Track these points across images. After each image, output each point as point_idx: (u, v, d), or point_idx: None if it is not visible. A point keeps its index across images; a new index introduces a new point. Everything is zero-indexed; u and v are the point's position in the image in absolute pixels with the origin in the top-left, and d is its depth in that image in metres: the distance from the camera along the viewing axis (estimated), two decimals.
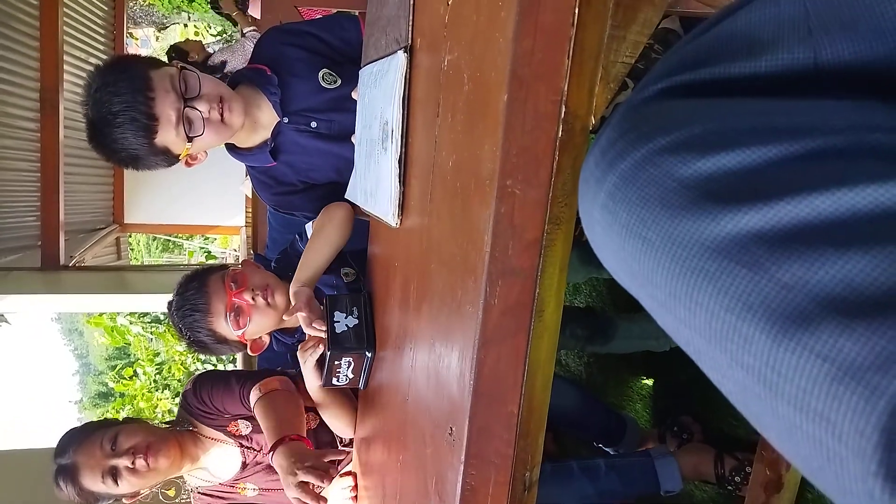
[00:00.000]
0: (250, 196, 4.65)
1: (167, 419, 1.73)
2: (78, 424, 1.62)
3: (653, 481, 1.57)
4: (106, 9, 5.40)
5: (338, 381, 1.20)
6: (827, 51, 0.33)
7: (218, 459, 1.61)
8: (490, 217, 0.60)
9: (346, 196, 1.33)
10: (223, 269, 1.49)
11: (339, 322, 1.18)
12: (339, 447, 1.56)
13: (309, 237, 1.52)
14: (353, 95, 1.33)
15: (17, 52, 3.82)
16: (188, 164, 1.42)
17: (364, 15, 1.30)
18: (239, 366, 3.42)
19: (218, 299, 1.40)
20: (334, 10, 2.33)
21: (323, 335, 1.21)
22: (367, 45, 1.22)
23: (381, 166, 1.00)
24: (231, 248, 11.87)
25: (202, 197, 6.05)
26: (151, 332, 9.16)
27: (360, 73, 1.25)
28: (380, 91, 1.02)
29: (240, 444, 1.59)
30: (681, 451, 1.67)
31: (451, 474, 0.69)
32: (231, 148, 1.56)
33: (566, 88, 0.57)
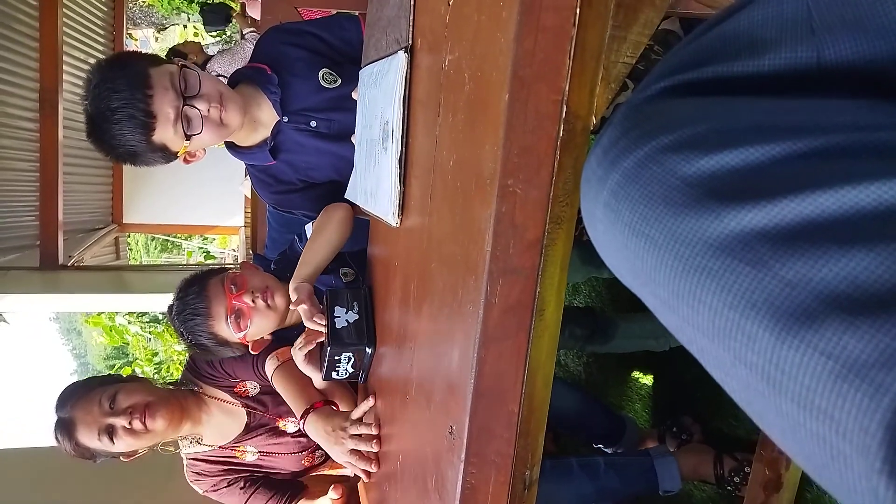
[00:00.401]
0: (249, 196, 4.65)
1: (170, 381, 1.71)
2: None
3: (652, 481, 1.58)
4: (105, 9, 5.40)
5: (337, 374, 1.20)
6: (830, 49, 0.33)
7: (221, 421, 1.60)
8: (491, 216, 0.60)
9: (346, 196, 1.33)
10: (222, 271, 1.48)
11: (339, 317, 1.18)
12: None
13: (308, 237, 1.52)
14: (353, 96, 1.33)
15: (16, 53, 3.82)
16: (186, 162, 1.42)
17: (364, 16, 1.30)
18: None
19: (218, 303, 1.39)
20: (334, 11, 2.34)
21: (323, 329, 1.20)
22: (368, 45, 1.22)
23: (381, 166, 1.00)
24: (230, 249, 11.87)
25: (201, 197, 6.05)
26: (150, 332, 9.15)
27: (360, 73, 1.26)
28: (380, 91, 1.02)
29: (246, 404, 1.58)
30: (680, 452, 1.67)
31: (451, 473, 0.69)
32: (231, 146, 1.57)
33: (567, 88, 0.57)
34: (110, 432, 1.42)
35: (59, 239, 4.06)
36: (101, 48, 5.27)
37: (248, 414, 1.59)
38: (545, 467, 0.75)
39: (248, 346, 1.45)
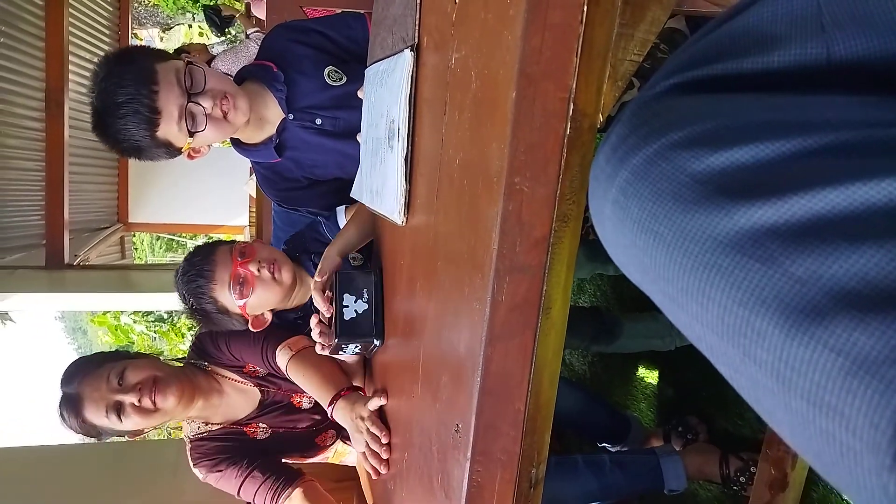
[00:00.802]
0: (254, 195, 4.66)
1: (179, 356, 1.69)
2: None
3: (657, 479, 1.57)
4: (111, 9, 5.41)
5: (343, 354, 1.21)
6: (840, 46, 0.33)
7: (235, 399, 1.58)
8: (498, 214, 0.60)
9: (352, 194, 1.33)
10: (233, 243, 1.48)
11: (347, 307, 1.15)
12: None
13: (339, 220, 1.51)
14: (359, 94, 1.33)
15: (22, 52, 3.83)
16: (190, 157, 1.43)
17: (370, 14, 1.30)
18: None
19: (223, 268, 1.40)
20: (339, 11, 2.33)
21: (324, 308, 1.19)
22: (374, 44, 1.22)
23: (387, 164, 1.00)
24: None
25: (206, 196, 6.06)
26: (155, 331, 9.18)
27: (366, 72, 1.26)
28: (386, 90, 1.02)
29: (258, 383, 1.57)
30: (686, 451, 1.67)
31: (458, 471, 0.69)
32: (236, 143, 1.57)
33: (574, 86, 0.57)
34: (118, 409, 1.40)
35: (65, 238, 4.07)
36: (106, 48, 5.28)
37: (262, 392, 1.58)
38: (550, 464, 0.75)
39: (248, 319, 1.44)
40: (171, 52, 4.39)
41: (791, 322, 0.26)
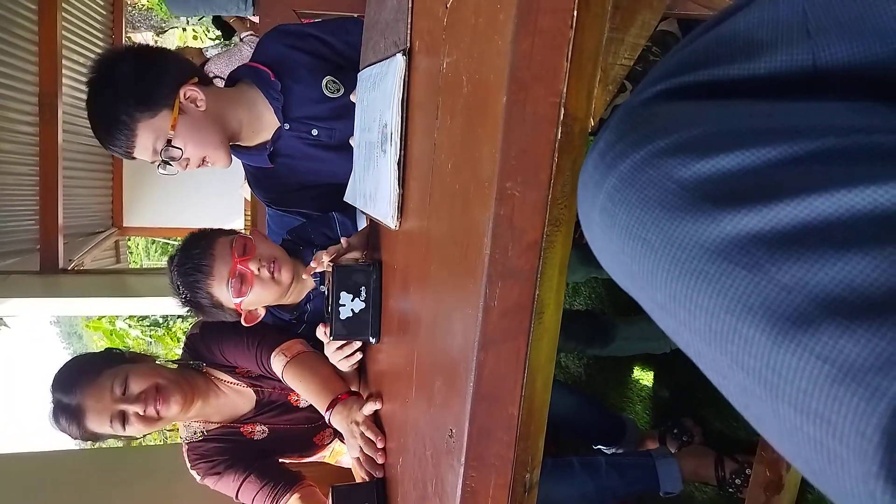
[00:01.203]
0: (249, 199, 4.65)
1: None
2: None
3: (653, 482, 1.57)
4: (104, 13, 5.40)
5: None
6: (825, 52, 0.33)
7: (232, 399, 1.58)
8: (490, 219, 0.60)
9: (345, 199, 1.33)
10: (232, 233, 1.46)
11: (344, 306, 1.13)
12: None
13: (360, 223, 1.52)
14: (352, 98, 1.33)
15: (15, 57, 3.82)
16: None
17: None
18: None
19: (223, 263, 1.38)
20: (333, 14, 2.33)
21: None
22: (366, 48, 1.22)
23: (380, 169, 1.00)
24: None
25: (201, 200, 6.04)
26: (150, 336, 9.14)
27: (358, 75, 1.26)
28: (378, 94, 1.02)
29: (251, 384, 1.56)
30: (681, 454, 1.67)
31: (451, 476, 0.69)
32: (231, 145, 1.56)
33: (565, 90, 0.57)
34: (122, 419, 1.39)
35: (60, 243, 4.06)
36: (100, 52, 5.26)
37: (257, 392, 1.57)
38: (546, 466, 0.75)
39: (241, 314, 1.43)
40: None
41: (778, 329, 0.26)
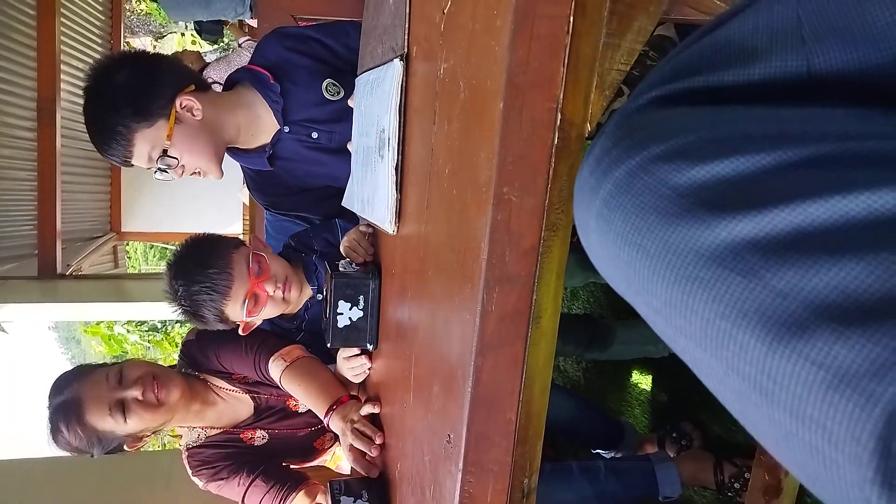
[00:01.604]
0: (247, 203, 4.65)
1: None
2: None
3: (652, 486, 1.57)
4: (103, 18, 5.41)
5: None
6: (819, 59, 0.33)
7: (230, 405, 1.57)
8: (487, 224, 0.60)
9: (343, 204, 1.33)
10: (239, 245, 1.44)
11: (342, 314, 1.13)
12: None
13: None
14: (350, 103, 1.33)
15: (14, 62, 3.82)
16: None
17: None
18: None
19: (241, 285, 1.36)
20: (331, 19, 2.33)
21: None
22: (364, 54, 1.22)
23: (377, 174, 1.00)
24: None
25: (199, 205, 6.05)
26: (149, 341, 9.14)
27: (356, 81, 1.26)
28: (376, 99, 1.02)
29: (248, 390, 1.56)
30: (680, 458, 1.67)
31: (450, 482, 0.69)
32: (229, 148, 1.56)
33: (562, 96, 0.57)
34: (122, 407, 1.36)
35: (58, 248, 4.06)
36: (98, 57, 5.27)
37: (254, 398, 1.57)
38: (545, 470, 0.75)
39: (238, 325, 1.42)
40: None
41: (773, 335, 0.26)
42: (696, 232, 0.30)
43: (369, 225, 1.23)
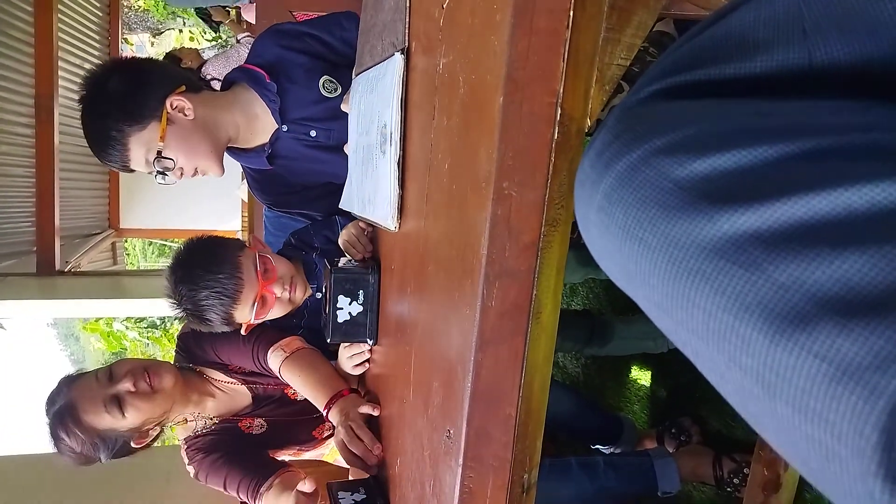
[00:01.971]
0: (246, 200, 4.65)
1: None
2: None
3: (651, 481, 1.57)
4: (101, 14, 5.40)
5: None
6: (821, 51, 0.33)
7: (228, 395, 1.57)
8: (487, 219, 0.60)
9: (341, 206, 1.33)
10: (244, 246, 1.44)
11: (341, 309, 1.13)
12: None
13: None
14: (343, 108, 1.33)
15: (11, 59, 3.82)
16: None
17: None
18: None
19: (250, 289, 1.36)
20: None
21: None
22: (362, 52, 1.22)
23: (379, 170, 1.00)
24: None
25: (198, 201, 6.04)
26: (148, 338, 9.13)
27: (353, 81, 1.25)
28: (377, 95, 1.02)
29: (244, 380, 1.56)
30: (679, 453, 1.67)
31: (449, 477, 0.69)
32: (228, 148, 1.56)
33: (562, 91, 0.57)
34: (117, 402, 1.35)
35: (56, 245, 4.05)
36: (96, 53, 5.27)
37: (251, 388, 1.56)
38: (544, 466, 0.75)
39: (241, 325, 1.42)
40: (163, 55, 4.37)
41: (775, 328, 0.26)
42: (698, 225, 0.30)
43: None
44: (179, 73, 1.49)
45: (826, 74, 0.33)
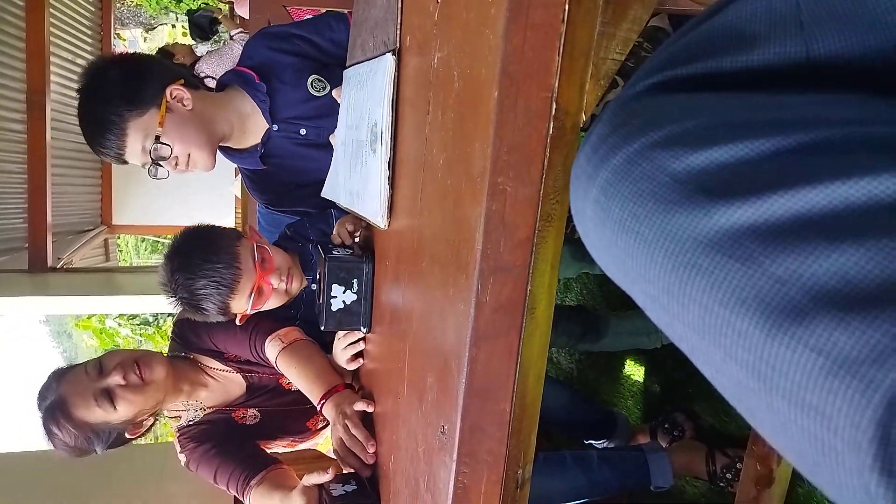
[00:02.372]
0: (240, 196, 4.64)
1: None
2: None
3: (644, 476, 1.58)
4: (93, 10, 5.37)
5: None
6: (819, 44, 0.33)
7: (222, 384, 1.56)
8: (481, 214, 0.60)
9: (323, 194, 1.34)
10: (241, 236, 1.44)
11: (335, 297, 1.14)
12: None
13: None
14: (335, 95, 1.34)
15: (2, 54, 3.79)
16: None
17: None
18: None
19: (248, 279, 1.36)
20: (323, 10, 2.32)
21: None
22: (354, 45, 1.22)
23: (369, 168, 1.00)
24: None
25: (191, 197, 6.02)
26: (140, 335, 9.11)
27: (344, 73, 1.25)
28: (367, 93, 1.02)
29: (239, 368, 1.55)
30: (672, 449, 1.68)
31: (444, 473, 0.69)
32: (223, 148, 1.58)
33: (557, 85, 0.57)
34: (108, 395, 1.34)
35: (48, 241, 4.04)
36: (88, 48, 5.24)
37: (245, 377, 1.56)
38: (538, 460, 0.75)
39: (236, 315, 1.42)
40: (155, 50, 4.34)
41: (771, 322, 0.26)
42: (695, 219, 0.29)
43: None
44: (178, 68, 1.53)
45: (823, 67, 0.33)
